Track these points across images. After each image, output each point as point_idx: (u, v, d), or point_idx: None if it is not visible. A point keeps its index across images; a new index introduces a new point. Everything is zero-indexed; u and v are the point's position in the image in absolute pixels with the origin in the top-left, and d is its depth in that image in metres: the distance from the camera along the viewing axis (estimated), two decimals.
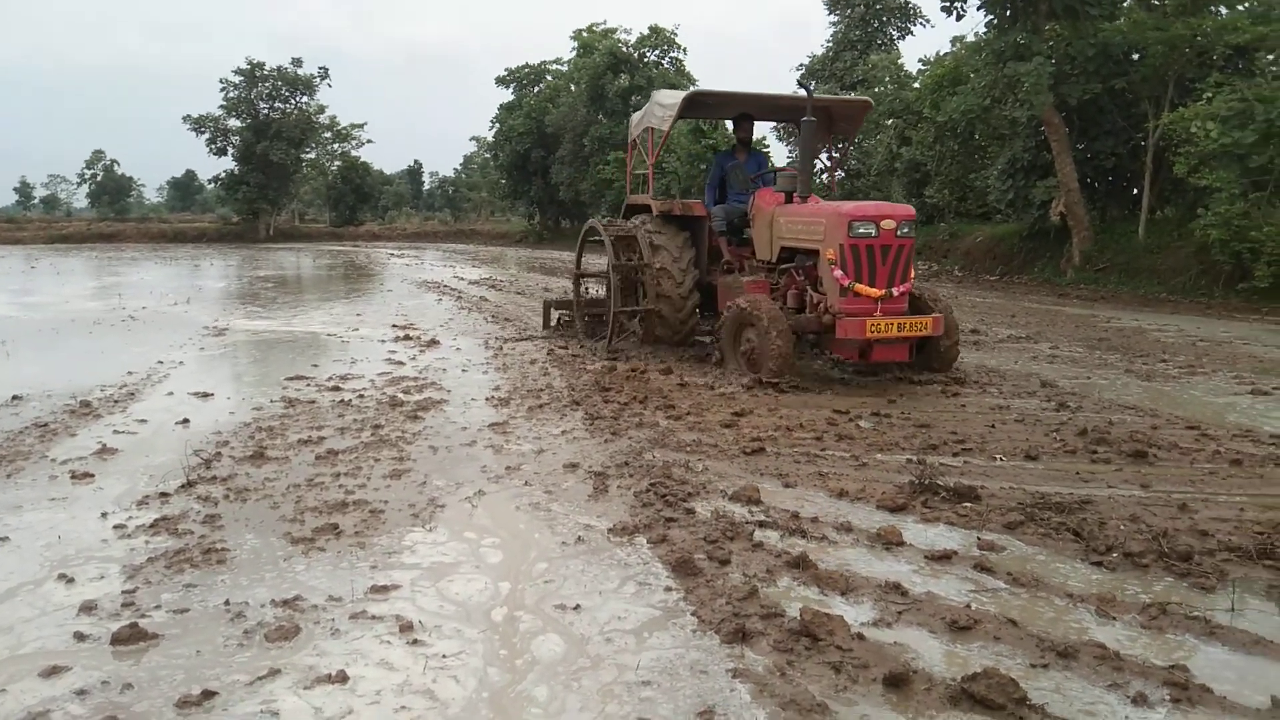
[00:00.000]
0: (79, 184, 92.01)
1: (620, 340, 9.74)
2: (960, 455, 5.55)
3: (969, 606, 3.40)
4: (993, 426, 6.30)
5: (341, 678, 2.90)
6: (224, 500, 4.72)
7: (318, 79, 53.57)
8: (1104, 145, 19.57)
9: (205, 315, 14.11)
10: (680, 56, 43.85)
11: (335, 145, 58.32)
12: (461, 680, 2.92)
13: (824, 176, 10.88)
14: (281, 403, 7.23)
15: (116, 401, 7.31)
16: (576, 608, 3.43)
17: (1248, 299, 14.72)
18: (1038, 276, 20.31)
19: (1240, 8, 18.09)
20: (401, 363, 9.27)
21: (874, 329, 7.39)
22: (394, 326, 12.37)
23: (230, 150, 53.47)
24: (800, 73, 37.94)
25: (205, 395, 7.57)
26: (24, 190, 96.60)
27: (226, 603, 3.46)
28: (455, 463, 5.46)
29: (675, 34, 43.39)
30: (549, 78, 50.82)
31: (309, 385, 8.00)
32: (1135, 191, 20.26)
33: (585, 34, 44.71)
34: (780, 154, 37.11)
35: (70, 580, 3.69)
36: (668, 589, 3.59)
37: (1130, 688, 2.82)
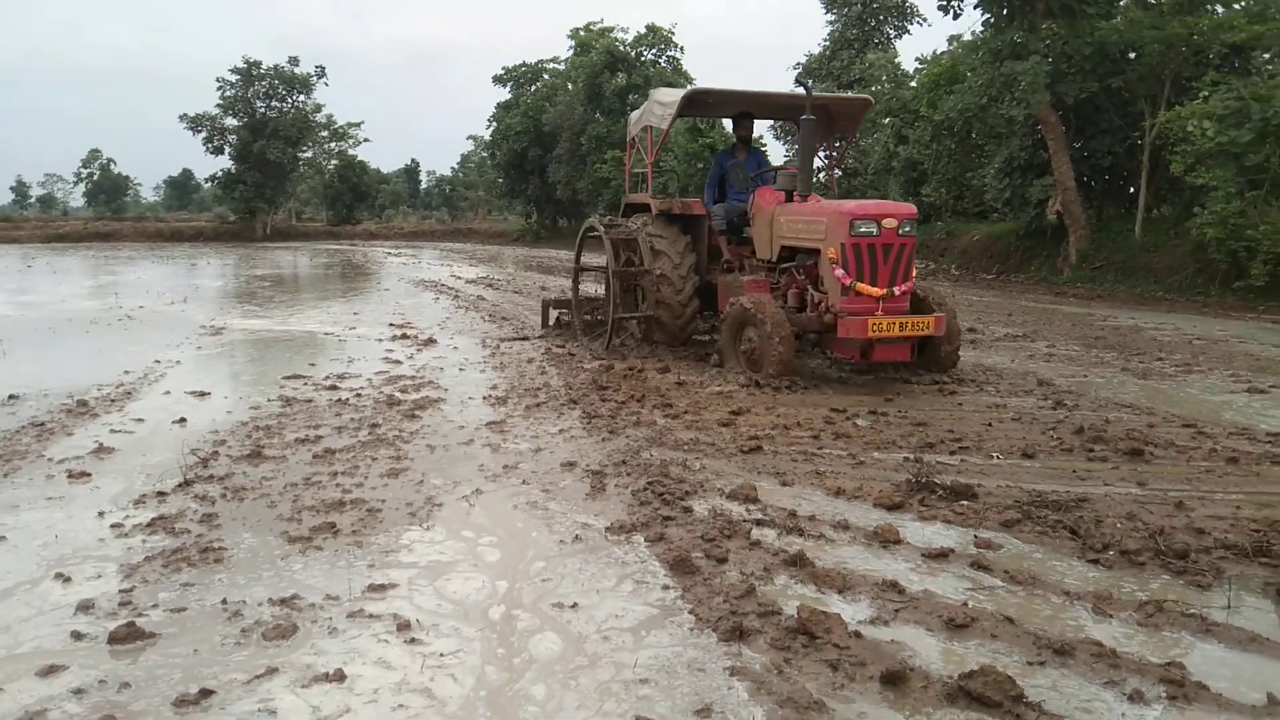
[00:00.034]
0: (75, 183, 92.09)
1: (619, 339, 9.72)
2: (957, 453, 5.56)
3: (966, 604, 3.41)
4: (990, 425, 6.31)
5: (339, 676, 2.90)
6: (221, 499, 4.72)
7: (314, 77, 53.49)
8: (1101, 144, 19.60)
9: (202, 314, 14.09)
10: (677, 55, 43.87)
11: (332, 144, 58.21)
12: (459, 679, 2.92)
13: (822, 175, 10.87)
14: (279, 402, 7.22)
15: (113, 401, 7.30)
16: (574, 606, 3.43)
17: (1244, 297, 14.75)
18: (1034, 275, 20.33)
19: (1236, 6, 18.14)
20: (399, 361, 9.26)
21: (876, 328, 7.34)
22: (391, 325, 12.36)
23: (227, 149, 53.36)
24: (797, 71, 38.00)
25: (202, 394, 7.57)
26: (20, 189, 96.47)
27: (224, 601, 3.46)
28: (453, 461, 5.46)
29: (672, 33, 43.40)
30: (546, 76, 50.78)
31: (306, 384, 7.99)
32: (1132, 190, 20.29)
33: (582, 32, 44.67)
34: (777, 152, 37.16)
35: (67, 579, 3.69)
36: (665, 587, 3.59)
37: (1127, 685, 2.83)
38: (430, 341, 10.72)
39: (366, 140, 71.51)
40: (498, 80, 52.93)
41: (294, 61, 52.78)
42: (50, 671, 2.95)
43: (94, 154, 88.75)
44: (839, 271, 7.55)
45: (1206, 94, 15.58)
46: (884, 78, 30.48)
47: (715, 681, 2.88)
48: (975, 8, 19.15)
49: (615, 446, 5.71)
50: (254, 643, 3.14)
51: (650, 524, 4.27)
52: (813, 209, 8.15)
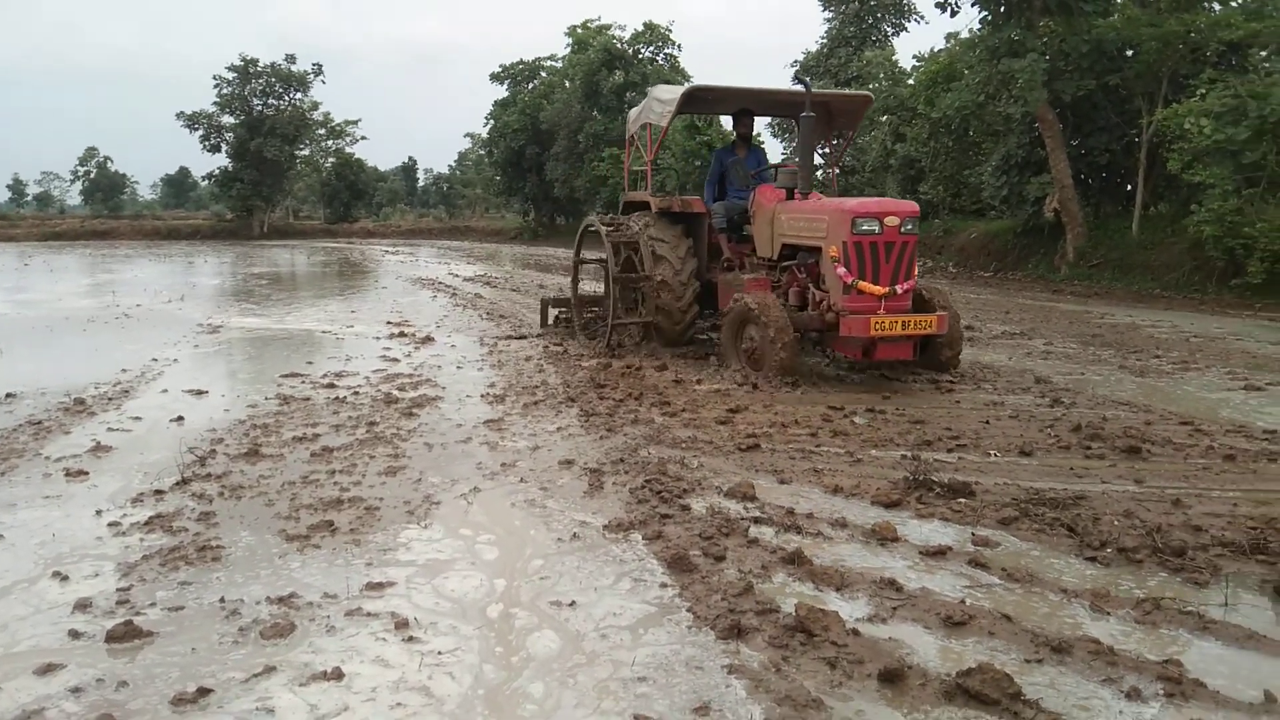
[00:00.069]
0: (72, 181, 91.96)
1: (617, 338, 9.70)
2: (955, 451, 5.56)
3: (964, 602, 3.41)
4: (987, 422, 6.31)
5: (337, 675, 2.90)
6: (219, 498, 4.71)
7: (311, 75, 53.37)
8: (1098, 141, 19.61)
9: (199, 312, 14.08)
10: (675, 53, 43.83)
11: (329, 142, 58.07)
12: (457, 677, 2.92)
13: (821, 173, 10.86)
14: (276, 400, 7.21)
15: (111, 399, 7.29)
16: (572, 604, 3.43)
17: (1241, 295, 14.77)
18: (1032, 273, 20.34)
19: (1234, 4, 18.16)
20: (396, 360, 9.26)
21: (878, 327, 7.28)
22: (389, 323, 12.35)
23: (224, 147, 53.24)
24: (795, 69, 37.95)
25: (200, 393, 7.56)
26: (17, 187, 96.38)
27: (222, 600, 3.45)
28: (450, 460, 5.45)
29: (670, 30, 43.38)
30: (543, 74, 50.72)
31: (304, 382, 7.99)
32: (1129, 188, 20.32)
33: (580, 30, 44.62)
34: (774, 150, 37.12)
35: (65, 578, 3.68)
36: (663, 585, 3.59)
37: (1124, 682, 2.83)
38: (428, 340, 10.72)
39: (364, 138, 71.24)
40: (495, 78, 52.91)
41: (291, 59, 52.73)
42: (48, 670, 2.94)
43: (91, 152, 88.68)
44: (841, 270, 7.48)
45: (1204, 91, 15.58)
46: (881, 75, 30.47)
47: (713, 679, 2.88)
48: (972, 5, 19.17)
49: (613, 444, 5.71)
50: (252, 641, 3.14)
51: (648, 522, 4.27)
52: (814, 207, 8.09)
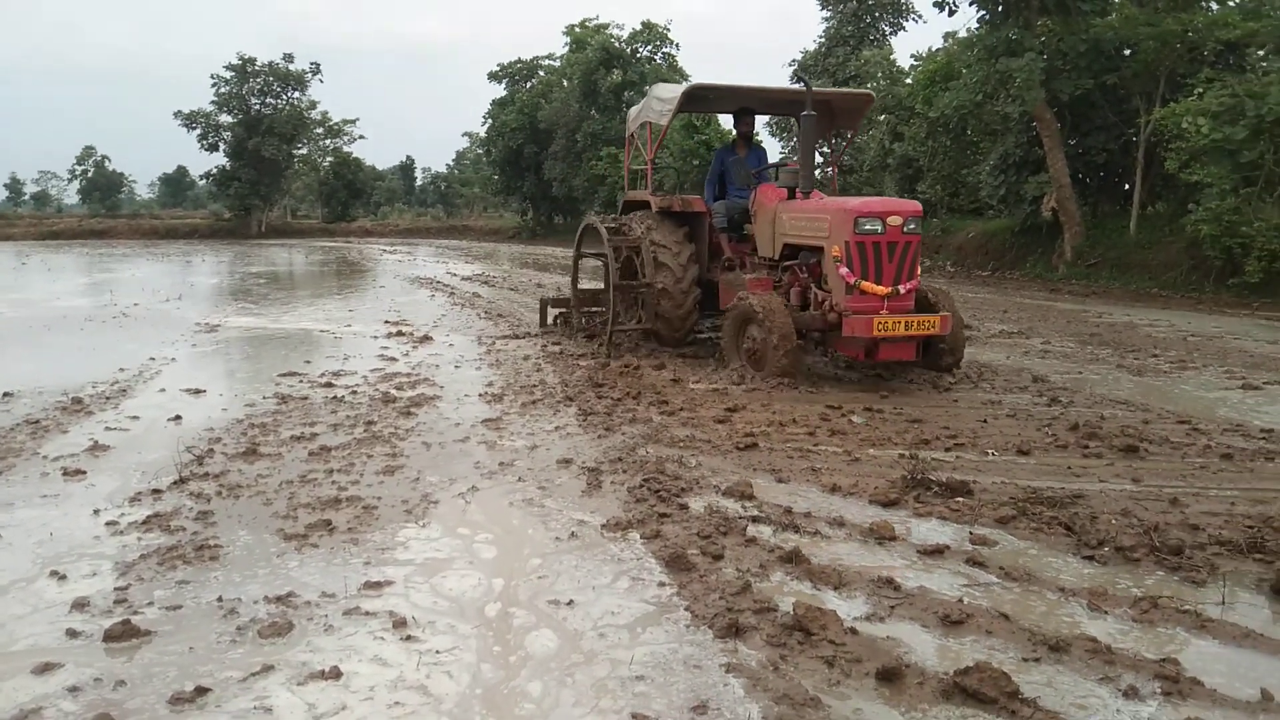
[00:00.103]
0: (70, 180, 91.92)
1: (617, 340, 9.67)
2: (952, 450, 5.57)
3: (961, 601, 3.41)
4: (985, 421, 6.32)
5: (335, 674, 2.90)
6: (216, 497, 4.71)
7: (309, 74, 53.37)
8: (1095, 141, 19.63)
9: (197, 312, 14.07)
10: (673, 52, 43.86)
11: (327, 141, 58.03)
12: (455, 676, 2.92)
13: (819, 172, 10.82)
14: (274, 399, 7.21)
15: (108, 398, 7.29)
16: (570, 603, 3.43)
17: (1238, 294, 14.79)
18: (1029, 272, 20.36)
19: (1231, 3, 18.17)
20: (394, 359, 9.25)
21: (881, 328, 7.23)
22: (386, 323, 12.34)
23: (222, 146, 53.22)
24: (793, 68, 37.94)
25: (197, 392, 7.55)
26: (14, 186, 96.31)
27: (219, 599, 3.45)
28: (448, 459, 5.45)
29: (668, 29, 43.39)
30: (541, 73, 50.71)
31: (301, 381, 7.98)
32: (1127, 187, 20.34)
33: (578, 29, 44.65)
34: (772, 149, 37.10)
35: (62, 577, 3.68)
36: (661, 584, 3.60)
37: (1122, 681, 2.84)
38: (426, 339, 10.71)
39: (362, 137, 71.17)
40: (493, 77, 52.90)
41: (289, 58, 52.73)
42: (45, 669, 2.94)
43: (88, 151, 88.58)
44: (843, 270, 7.43)
45: (1201, 91, 15.60)
46: (879, 75, 30.46)
47: (711, 678, 2.88)
48: (970, 4, 19.23)
49: (611, 444, 5.71)
50: (250, 640, 3.14)
51: (646, 521, 4.27)
52: (816, 206, 8.04)
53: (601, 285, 10.53)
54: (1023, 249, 21.39)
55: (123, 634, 3.14)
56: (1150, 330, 11.54)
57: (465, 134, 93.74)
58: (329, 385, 7.79)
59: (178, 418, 6.55)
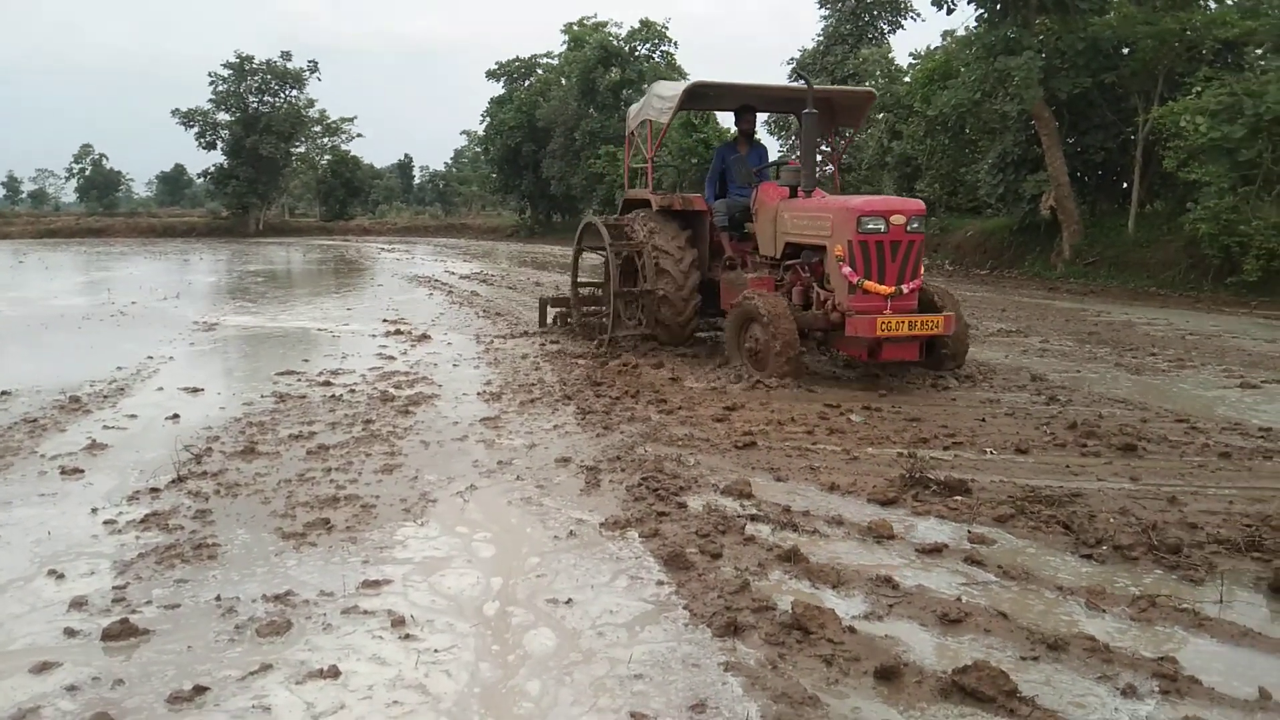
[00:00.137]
0: (67, 178, 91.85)
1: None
2: (951, 449, 5.57)
3: (959, 599, 3.42)
4: (983, 420, 6.32)
5: (333, 672, 2.89)
6: (215, 495, 4.71)
7: (307, 72, 53.23)
8: (1094, 139, 19.62)
9: (195, 310, 14.06)
10: (671, 50, 43.80)
11: (325, 139, 57.94)
12: (453, 675, 2.92)
13: (822, 170, 10.78)
14: (272, 398, 7.20)
15: (106, 397, 7.28)
16: (568, 602, 3.43)
17: (1237, 293, 14.79)
18: (1028, 271, 20.36)
19: (1229, 2, 18.17)
20: (392, 358, 9.24)
21: (884, 327, 7.19)
22: (385, 321, 12.33)
23: (219, 144, 53.08)
24: (792, 66, 37.92)
25: (195, 390, 7.55)
26: (11, 185, 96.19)
27: (218, 598, 3.45)
28: (447, 457, 5.45)
29: (666, 27, 43.33)
30: (540, 71, 50.67)
31: (300, 380, 7.98)
32: (1125, 186, 20.34)
33: (576, 27, 44.60)
34: (771, 147, 37.05)
35: (60, 576, 3.68)
36: (660, 583, 3.60)
37: (1120, 680, 2.84)
38: (424, 337, 10.71)
39: (360, 135, 71.00)
40: (491, 75, 52.85)
41: (286, 56, 52.56)
42: (43, 668, 2.94)
43: (86, 149, 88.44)
44: (846, 269, 7.39)
45: (1199, 89, 15.60)
46: (878, 73, 30.43)
47: (710, 677, 2.88)
48: (969, 3, 19.20)
49: (610, 442, 5.71)
50: (248, 639, 3.14)
51: (645, 520, 4.27)
52: (818, 205, 7.99)
53: (601, 282, 10.51)
54: (1021, 248, 21.39)
55: (121, 633, 3.14)
56: (1148, 329, 11.55)
57: (463, 132, 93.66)
58: (327, 384, 7.79)
59: (176, 416, 6.55)
